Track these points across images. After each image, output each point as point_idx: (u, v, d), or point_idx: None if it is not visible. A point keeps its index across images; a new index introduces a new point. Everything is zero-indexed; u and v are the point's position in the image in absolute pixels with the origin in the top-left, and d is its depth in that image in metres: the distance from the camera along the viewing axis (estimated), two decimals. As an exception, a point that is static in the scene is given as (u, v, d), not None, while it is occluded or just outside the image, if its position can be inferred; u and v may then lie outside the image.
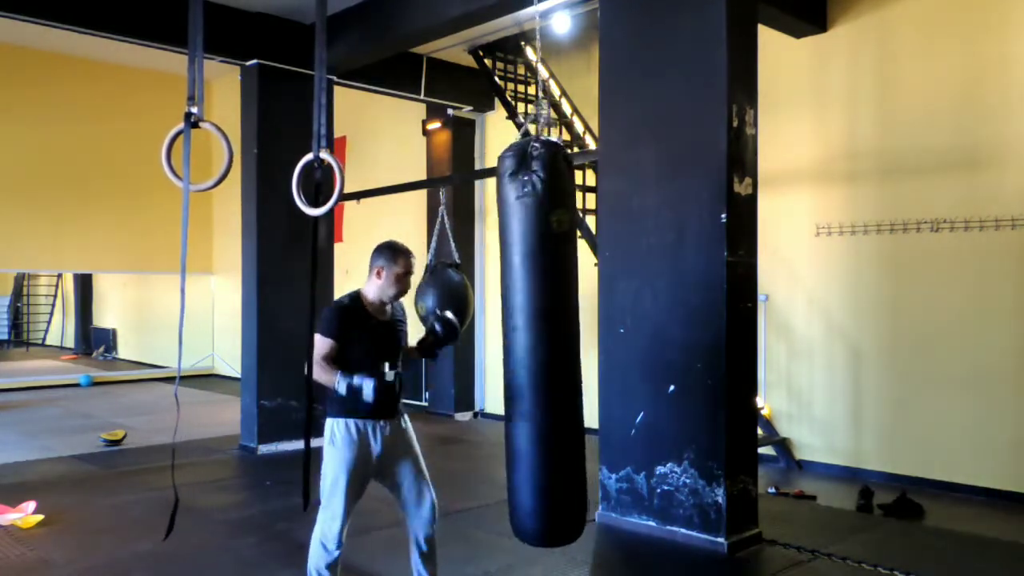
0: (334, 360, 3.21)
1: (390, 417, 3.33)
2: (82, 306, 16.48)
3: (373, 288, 3.33)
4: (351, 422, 3.24)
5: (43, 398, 10.50)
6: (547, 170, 2.93)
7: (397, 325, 3.42)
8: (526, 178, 2.94)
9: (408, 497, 3.36)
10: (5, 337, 18.47)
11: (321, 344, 3.20)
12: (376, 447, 3.28)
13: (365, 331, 3.26)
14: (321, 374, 3.16)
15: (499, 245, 3.09)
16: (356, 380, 3.09)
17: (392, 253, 3.34)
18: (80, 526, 4.86)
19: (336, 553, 3.25)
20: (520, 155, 2.97)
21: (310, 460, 3.18)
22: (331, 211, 3.65)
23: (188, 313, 3.11)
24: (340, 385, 3.11)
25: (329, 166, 3.45)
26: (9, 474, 6.18)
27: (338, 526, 3.23)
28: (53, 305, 18.28)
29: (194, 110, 3.03)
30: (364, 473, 3.29)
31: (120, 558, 4.28)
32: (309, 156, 3.46)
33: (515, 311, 2.98)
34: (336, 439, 3.24)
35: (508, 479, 3.04)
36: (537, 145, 2.96)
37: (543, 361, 2.95)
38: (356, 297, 3.33)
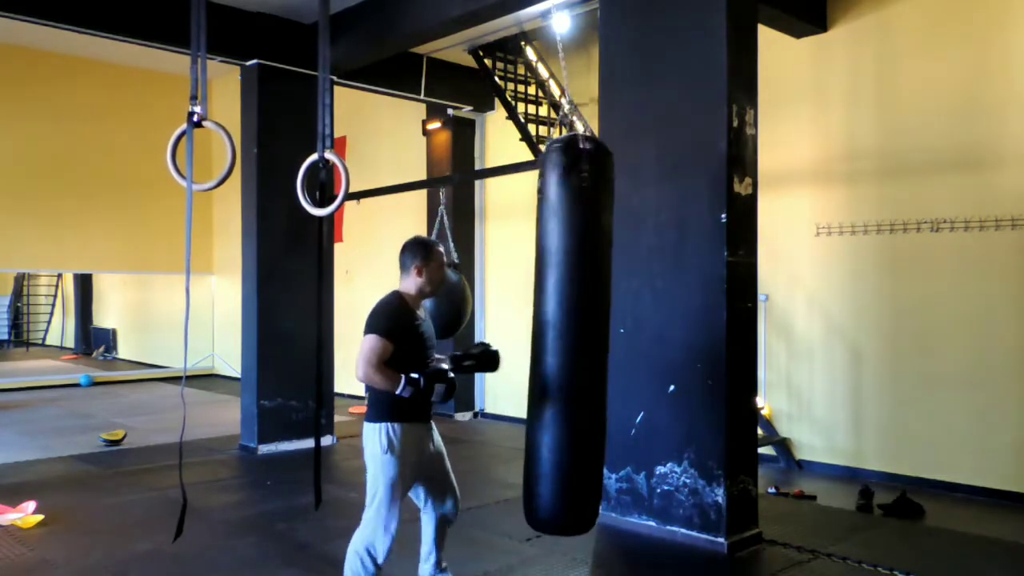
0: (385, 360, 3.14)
1: (429, 419, 3.38)
2: (82, 306, 16.48)
3: (413, 286, 3.31)
4: (407, 426, 3.21)
5: (43, 398, 10.50)
6: (597, 168, 2.89)
7: (430, 321, 3.45)
8: (583, 175, 2.88)
9: (436, 490, 3.43)
10: (5, 337, 18.46)
11: (377, 344, 3.10)
12: (425, 448, 3.32)
13: (412, 329, 3.25)
14: (378, 377, 3.08)
15: (538, 241, 3.01)
16: (423, 382, 3.06)
17: (426, 249, 3.33)
18: (80, 526, 4.86)
19: (380, 565, 3.23)
20: (571, 151, 2.90)
21: (320, 460, 3.18)
22: (335, 211, 3.65)
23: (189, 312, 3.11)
24: (404, 390, 3.05)
25: (333, 166, 3.46)
26: (9, 474, 6.18)
27: (391, 536, 3.21)
28: (53, 305, 18.28)
29: (197, 109, 3.03)
30: (415, 477, 3.31)
31: (120, 558, 4.28)
32: (314, 156, 3.46)
33: (549, 308, 2.95)
34: (394, 445, 3.17)
35: (530, 470, 3.01)
36: (588, 144, 2.91)
37: (577, 362, 2.93)
38: (399, 296, 3.31)
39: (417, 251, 3.31)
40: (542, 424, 2.96)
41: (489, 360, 3.41)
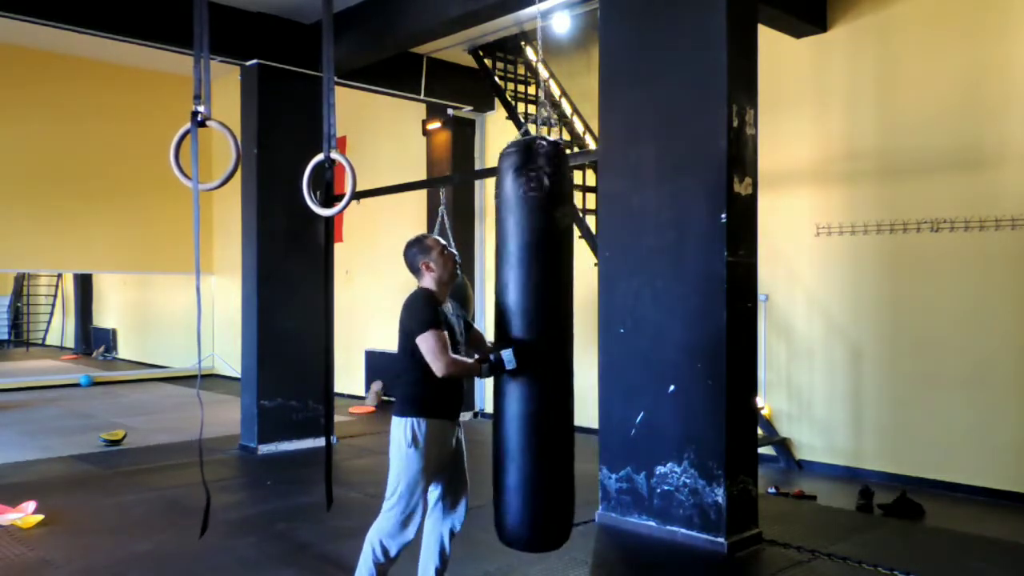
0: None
1: (458, 417, 3.39)
2: (82, 306, 16.48)
3: (431, 280, 3.31)
4: (432, 422, 3.22)
5: (43, 398, 10.50)
6: (553, 167, 3.01)
7: (460, 313, 3.45)
8: (533, 174, 2.98)
9: (450, 495, 3.42)
10: (5, 337, 18.46)
11: (436, 338, 3.10)
12: (450, 447, 3.32)
13: (447, 320, 3.26)
14: (457, 367, 3.11)
15: (497, 241, 3.10)
16: (493, 356, 3.02)
17: (420, 244, 3.35)
18: (80, 526, 4.86)
19: (393, 558, 3.23)
20: (526, 151, 3.03)
21: (331, 460, 3.16)
22: (342, 210, 3.64)
23: (189, 312, 3.11)
24: (483, 370, 3.05)
25: (337, 166, 3.46)
26: (9, 474, 6.18)
27: (410, 532, 3.20)
28: (53, 305, 18.28)
29: (201, 109, 3.02)
30: (438, 473, 3.31)
31: (120, 558, 4.28)
32: (320, 156, 3.46)
33: (511, 309, 3.02)
34: (419, 440, 3.18)
35: (495, 481, 3.04)
36: (544, 143, 3.03)
37: (538, 366, 2.96)
38: (425, 290, 3.30)
39: (416, 249, 3.33)
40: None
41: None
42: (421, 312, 3.17)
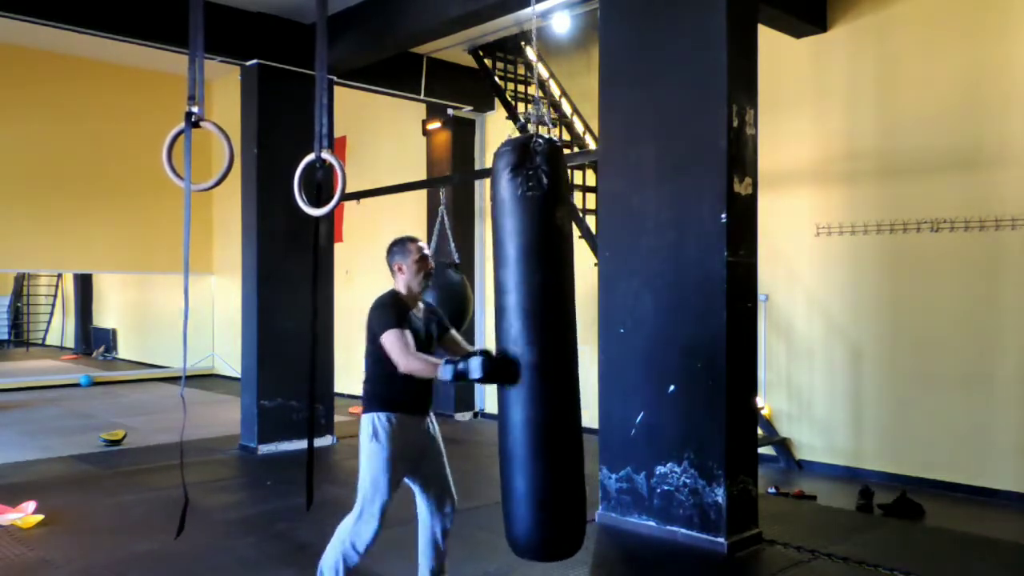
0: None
1: (426, 413, 3.42)
2: (82, 306, 16.48)
3: (402, 283, 3.40)
4: (394, 415, 3.26)
5: (43, 398, 10.50)
6: (551, 165, 2.94)
7: (431, 317, 3.48)
8: (531, 173, 2.93)
9: (432, 493, 3.44)
10: (5, 337, 18.47)
11: (399, 336, 3.17)
12: (416, 442, 3.34)
13: (411, 322, 3.30)
14: (417, 364, 3.13)
15: (494, 243, 3.04)
16: (462, 364, 2.93)
17: (401, 245, 3.43)
18: (80, 526, 4.86)
19: (362, 554, 3.25)
20: (523, 150, 2.95)
21: (313, 459, 3.16)
22: (332, 211, 3.65)
23: (189, 312, 3.12)
24: (445, 371, 3.00)
25: (330, 166, 3.47)
26: (9, 474, 6.18)
27: (375, 526, 3.23)
28: (53, 305, 18.27)
29: (195, 110, 3.03)
30: (404, 468, 3.32)
31: (120, 558, 4.28)
32: (311, 156, 3.47)
33: (510, 311, 2.92)
34: (379, 434, 3.23)
35: (502, 485, 3.01)
36: (541, 141, 2.97)
37: (541, 371, 2.90)
38: (394, 292, 3.39)
39: (393, 251, 3.43)
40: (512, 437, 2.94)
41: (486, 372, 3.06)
42: (383, 313, 3.25)
